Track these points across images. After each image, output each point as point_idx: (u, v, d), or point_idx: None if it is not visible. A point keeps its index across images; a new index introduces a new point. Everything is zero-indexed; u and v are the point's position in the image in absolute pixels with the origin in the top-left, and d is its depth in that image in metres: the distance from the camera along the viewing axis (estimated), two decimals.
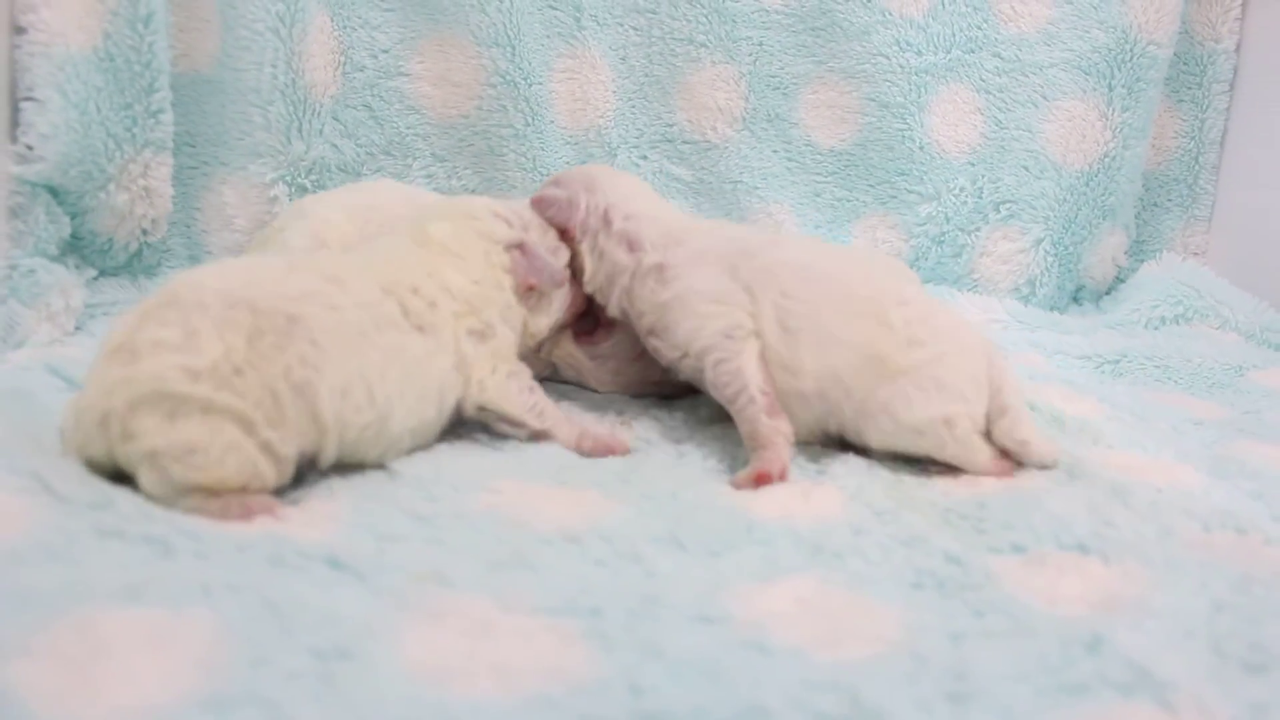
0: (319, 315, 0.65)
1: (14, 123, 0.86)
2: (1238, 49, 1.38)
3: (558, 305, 0.85)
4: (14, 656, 0.43)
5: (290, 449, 0.62)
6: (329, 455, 0.65)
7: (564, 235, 0.86)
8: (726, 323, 0.78)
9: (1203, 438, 0.96)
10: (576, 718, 0.43)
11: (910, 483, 0.76)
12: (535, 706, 0.43)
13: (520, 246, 0.82)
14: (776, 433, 0.75)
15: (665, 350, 0.82)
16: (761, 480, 0.73)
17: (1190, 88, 1.39)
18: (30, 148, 0.86)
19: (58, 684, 0.42)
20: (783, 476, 0.73)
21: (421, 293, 0.74)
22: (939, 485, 0.77)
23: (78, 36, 0.87)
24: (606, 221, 0.85)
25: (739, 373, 0.76)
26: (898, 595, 0.58)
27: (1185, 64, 1.37)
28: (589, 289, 0.86)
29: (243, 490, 0.60)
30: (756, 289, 0.78)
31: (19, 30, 0.85)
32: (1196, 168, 1.41)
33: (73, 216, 0.91)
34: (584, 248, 0.86)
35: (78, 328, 0.90)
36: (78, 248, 0.94)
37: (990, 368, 0.77)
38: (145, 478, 0.59)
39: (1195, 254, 1.42)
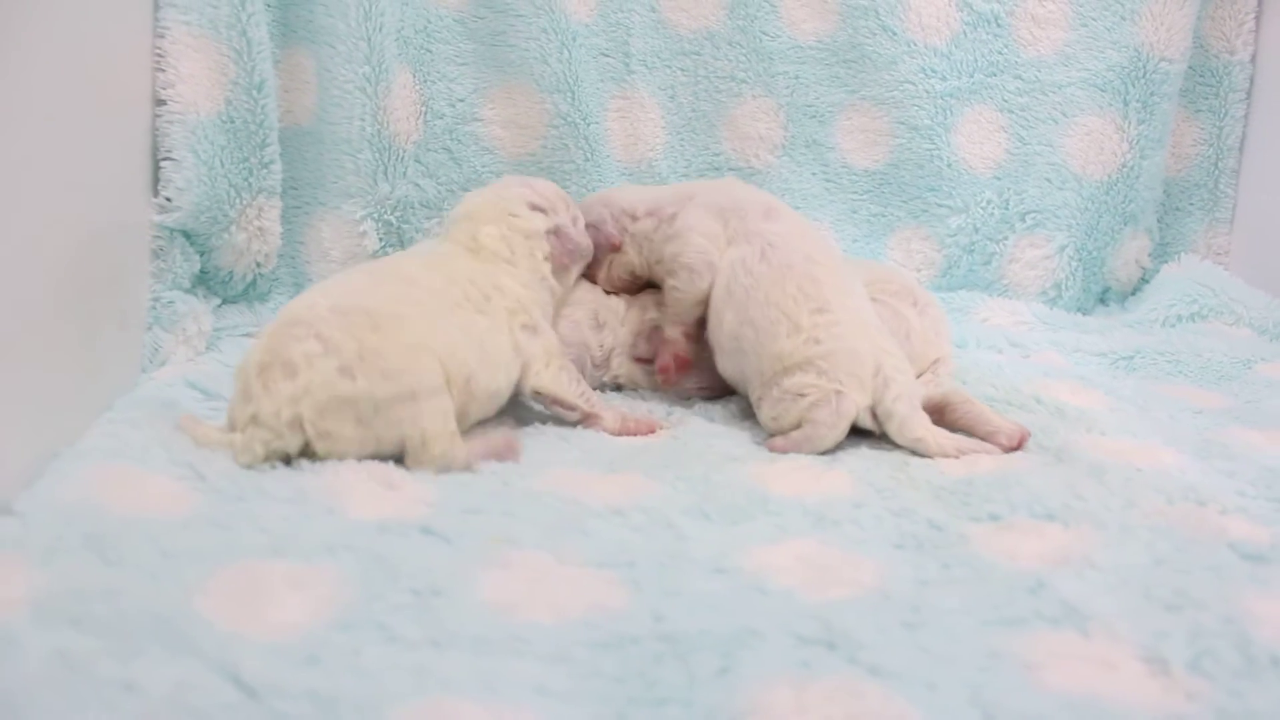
0: (412, 311, 0.82)
1: (155, 179, 1.03)
2: (1253, 60, 1.45)
3: (580, 269, 1.04)
4: (196, 593, 0.58)
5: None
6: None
7: (613, 248, 1.04)
8: (706, 247, 0.98)
9: (1197, 425, 1.04)
10: (610, 635, 0.56)
11: (914, 465, 0.88)
12: (580, 627, 0.57)
13: (555, 232, 0.99)
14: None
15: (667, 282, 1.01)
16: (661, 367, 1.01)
17: (1208, 98, 1.47)
18: (169, 199, 1.02)
19: (231, 610, 0.57)
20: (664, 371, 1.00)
21: (478, 285, 0.90)
22: (939, 467, 0.88)
23: (205, 105, 1.03)
24: (633, 215, 1.04)
25: (692, 280, 0.98)
26: (881, 553, 0.70)
27: (1201, 76, 1.46)
28: (644, 275, 1.06)
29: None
30: (734, 243, 0.97)
31: (159, 102, 1.01)
32: (1217, 173, 1.49)
33: (201, 254, 1.07)
34: (628, 245, 1.05)
35: (208, 348, 1.06)
36: (205, 280, 1.11)
37: (876, 374, 0.90)
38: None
39: (1219, 254, 1.50)
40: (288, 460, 0.79)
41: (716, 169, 1.37)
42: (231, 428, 0.80)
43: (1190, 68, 1.43)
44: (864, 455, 0.89)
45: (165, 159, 1.02)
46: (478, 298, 0.89)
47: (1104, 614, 0.62)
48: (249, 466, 0.78)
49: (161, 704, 0.47)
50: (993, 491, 0.81)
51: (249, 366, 0.80)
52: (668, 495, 0.77)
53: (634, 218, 1.05)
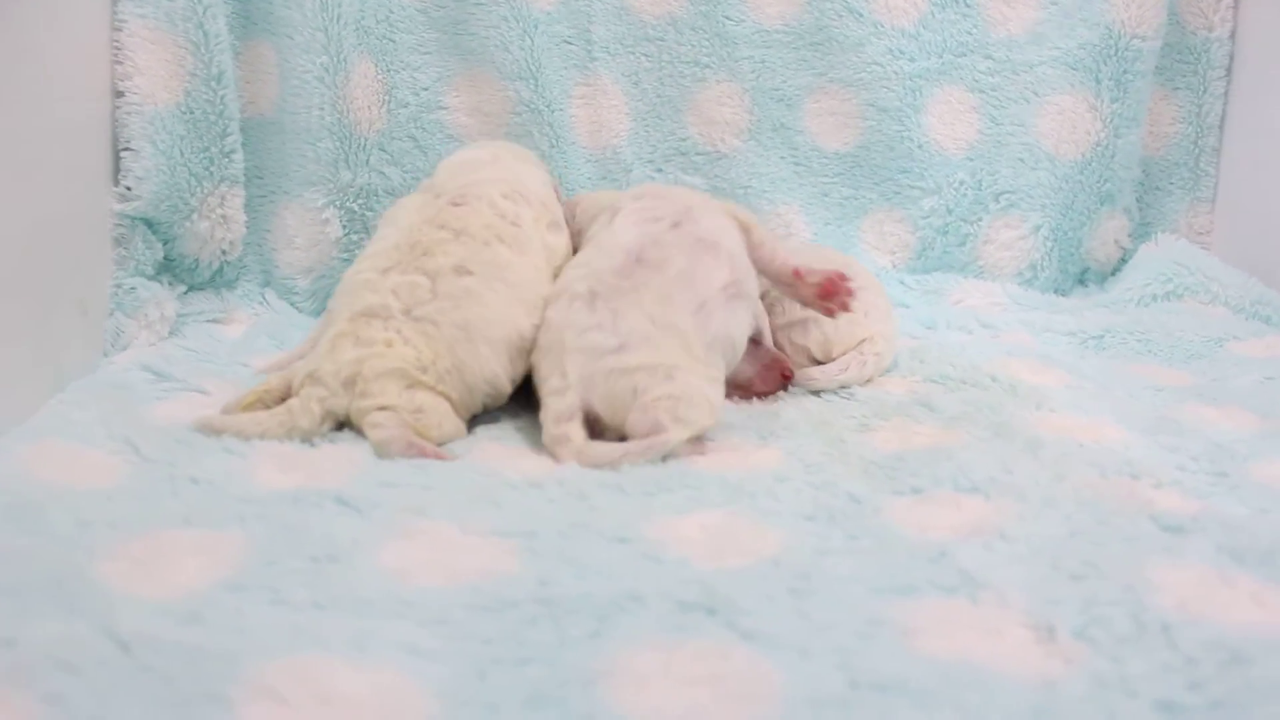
0: (477, 310, 0.88)
1: (116, 169, 1.05)
2: (1232, 36, 1.43)
3: None
4: (102, 560, 0.60)
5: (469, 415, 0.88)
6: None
7: None
8: None
9: (1155, 402, 1.03)
10: (491, 598, 0.57)
11: (851, 442, 0.88)
12: (464, 591, 0.58)
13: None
14: None
15: None
16: None
17: (1186, 75, 1.45)
18: (129, 189, 1.04)
19: (131, 574, 0.59)
20: None
21: (507, 216, 0.94)
22: (874, 443, 0.88)
23: (164, 96, 1.06)
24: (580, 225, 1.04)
25: None
26: (790, 525, 0.70)
27: (1179, 53, 1.44)
28: None
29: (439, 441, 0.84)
30: None
31: (118, 94, 1.04)
32: (1197, 151, 1.47)
33: (165, 242, 1.10)
34: None
35: (171, 333, 1.08)
36: (170, 268, 1.13)
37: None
38: (373, 422, 0.82)
39: (1201, 234, 1.48)
40: (339, 427, 0.84)
41: (683, 154, 1.38)
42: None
43: (1167, 45, 1.42)
44: (800, 433, 0.90)
45: (124, 149, 1.05)
46: (508, 231, 0.93)
47: (1000, 583, 0.62)
48: (308, 435, 0.82)
49: (35, 657, 0.49)
50: (921, 466, 0.81)
51: (323, 339, 0.87)
52: (588, 470, 0.78)
53: (578, 226, 1.04)
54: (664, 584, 0.59)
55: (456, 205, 0.94)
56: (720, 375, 0.90)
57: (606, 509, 0.71)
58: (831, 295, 0.97)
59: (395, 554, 0.63)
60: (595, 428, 0.85)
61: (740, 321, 0.93)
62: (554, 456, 0.82)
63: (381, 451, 0.79)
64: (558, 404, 0.83)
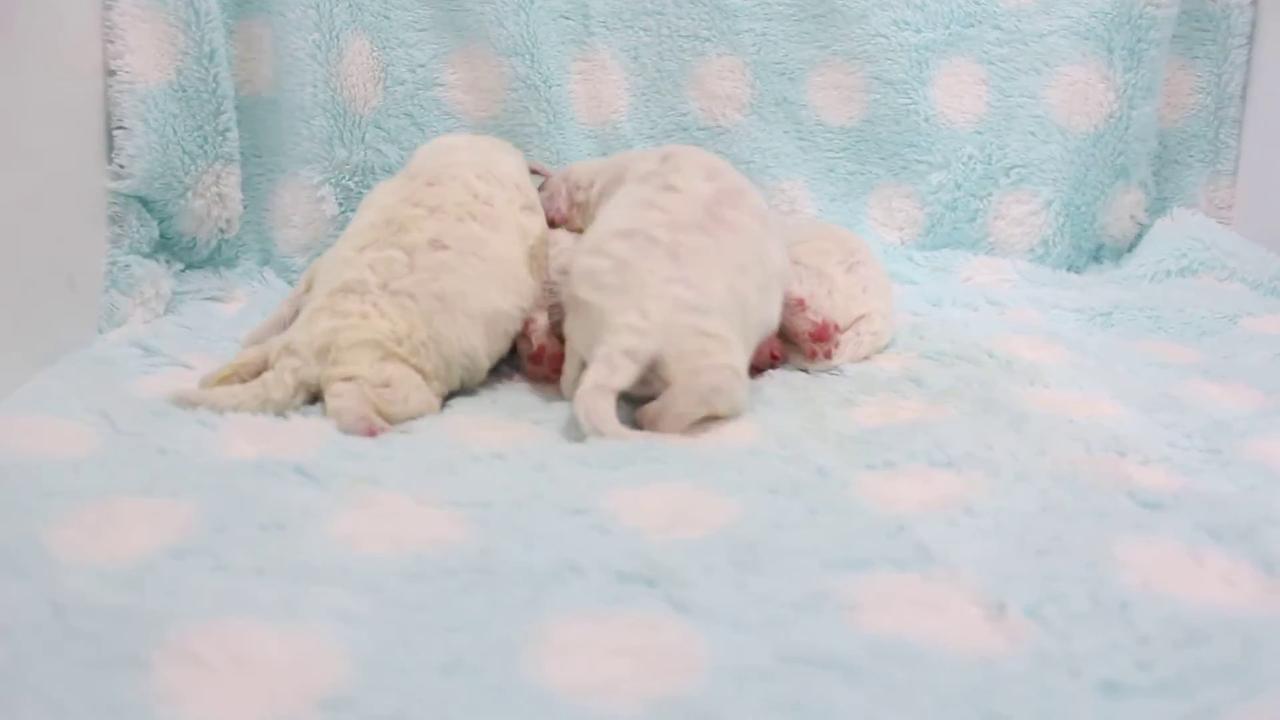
0: (454, 282, 0.88)
1: (109, 147, 1.06)
2: (1254, 2, 1.38)
3: None
4: (57, 527, 0.61)
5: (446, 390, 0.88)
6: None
7: (553, 223, 1.05)
8: None
9: (1159, 379, 0.99)
10: (431, 566, 0.57)
11: (831, 417, 0.86)
12: (406, 559, 0.58)
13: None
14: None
15: None
16: None
17: (1205, 44, 1.40)
18: (122, 166, 1.05)
19: (81, 542, 0.59)
20: None
21: (480, 196, 0.94)
22: (856, 418, 0.86)
23: (155, 75, 1.07)
24: (581, 185, 1.05)
25: None
26: (751, 497, 0.68)
27: (1198, 21, 1.39)
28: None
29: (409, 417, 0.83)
30: None
31: (110, 73, 1.05)
32: (1217, 123, 1.42)
33: (160, 221, 1.11)
34: (576, 218, 1.06)
35: (168, 310, 1.10)
36: (168, 246, 1.14)
37: None
38: (334, 391, 0.81)
39: (1222, 209, 1.44)
40: (313, 400, 0.84)
41: (684, 129, 1.37)
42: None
43: (1184, 12, 1.37)
44: (781, 408, 0.88)
45: (117, 128, 1.05)
46: (483, 211, 0.93)
47: (956, 559, 0.60)
48: (281, 407, 0.82)
49: None
50: (898, 440, 0.79)
51: (304, 312, 0.87)
52: (554, 443, 0.78)
53: (581, 188, 1.04)
54: (607, 555, 0.59)
55: (431, 185, 0.95)
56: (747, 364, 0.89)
57: (566, 480, 0.71)
58: (820, 340, 0.98)
59: (346, 523, 0.63)
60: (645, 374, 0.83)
61: (778, 311, 0.93)
62: (592, 373, 0.80)
63: (336, 421, 0.79)
64: (633, 341, 0.80)
